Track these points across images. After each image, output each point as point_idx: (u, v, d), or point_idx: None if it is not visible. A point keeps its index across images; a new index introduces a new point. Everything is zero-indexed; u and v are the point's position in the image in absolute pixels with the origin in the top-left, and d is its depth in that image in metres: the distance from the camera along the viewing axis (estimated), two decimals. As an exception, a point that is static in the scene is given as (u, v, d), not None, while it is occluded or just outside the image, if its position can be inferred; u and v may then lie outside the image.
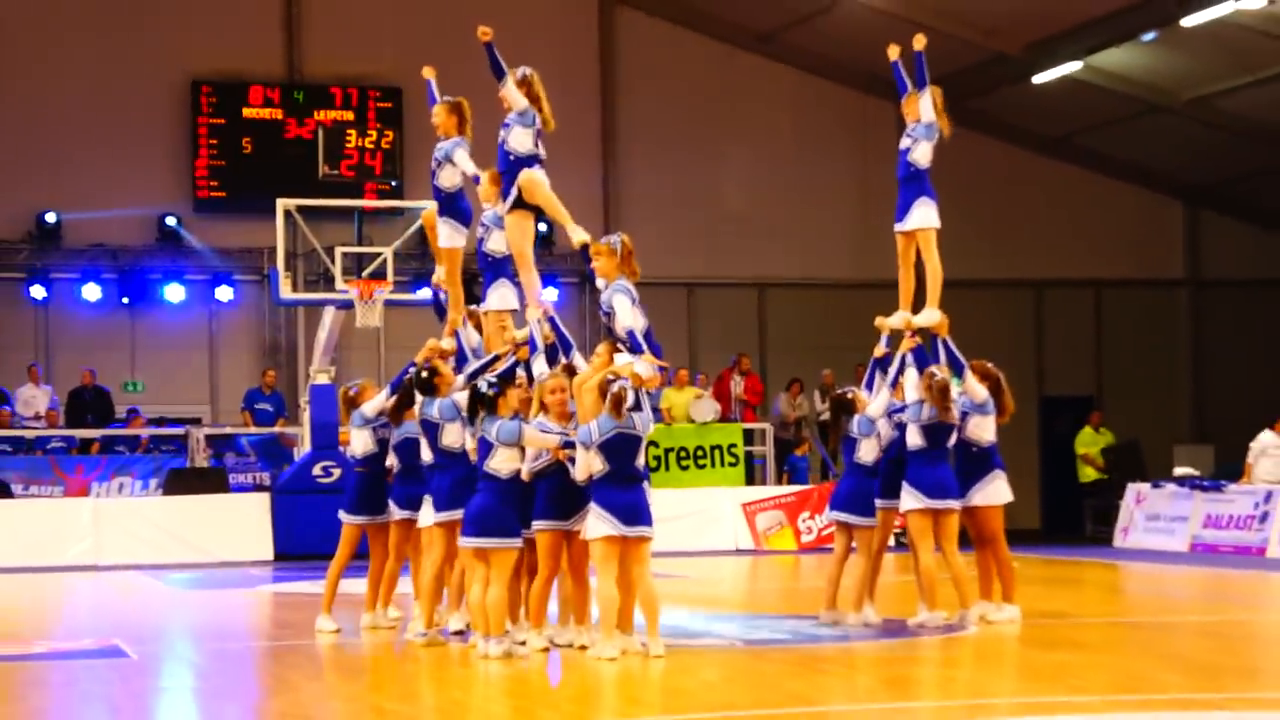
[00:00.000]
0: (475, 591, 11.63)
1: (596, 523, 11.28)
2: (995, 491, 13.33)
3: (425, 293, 24.51)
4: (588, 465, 11.31)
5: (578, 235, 12.42)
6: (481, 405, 11.57)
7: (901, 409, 13.36)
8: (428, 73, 14.36)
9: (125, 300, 28.42)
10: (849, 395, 13.65)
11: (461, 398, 12.11)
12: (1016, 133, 31.63)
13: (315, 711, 10.07)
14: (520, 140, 12.75)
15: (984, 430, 13.31)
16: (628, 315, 11.93)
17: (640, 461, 11.44)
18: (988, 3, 26.53)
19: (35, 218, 28.11)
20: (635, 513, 11.29)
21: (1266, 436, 23.31)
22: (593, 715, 9.52)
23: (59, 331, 28.59)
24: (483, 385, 11.64)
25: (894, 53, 14.01)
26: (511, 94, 12.86)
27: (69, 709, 10.18)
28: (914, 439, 13.09)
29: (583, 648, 11.62)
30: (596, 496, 11.30)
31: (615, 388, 11.27)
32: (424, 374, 12.47)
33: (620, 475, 11.30)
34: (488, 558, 11.47)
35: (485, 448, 11.51)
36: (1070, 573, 19.91)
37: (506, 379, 11.95)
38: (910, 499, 13.04)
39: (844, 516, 13.34)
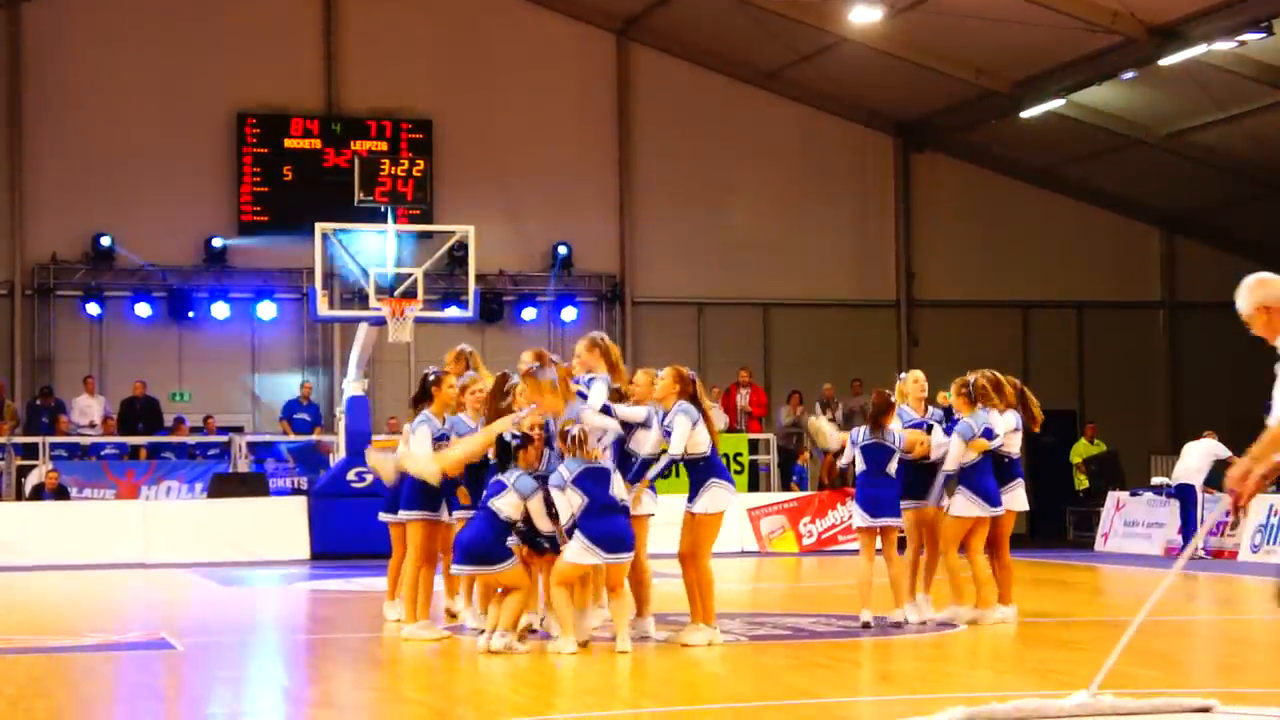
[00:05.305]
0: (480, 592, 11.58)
1: (581, 551, 11.13)
2: (1015, 499, 13.30)
3: (453, 310, 24.65)
4: (568, 505, 11.20)
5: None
6: (506, 454, 11.48)
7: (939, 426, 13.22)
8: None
9: (174, 316, 28.48)
10: (892, 399, 13.12)
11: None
12: (1005, 164, 31.60)
13: (346, 699, 10.04)
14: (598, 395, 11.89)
15: (1014, 444, 13.30)
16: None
17: (616, 492, 11.23)
18: (978, 44, 26.50)
19: (92, 240, 28.17)
20: (618, 541, 11.20)
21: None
22: (606, 706, 9.47)
23: (112, 345, 28.62)
24: (507, 436, 11.56)
25: None
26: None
27: (119, 696, 10.15)
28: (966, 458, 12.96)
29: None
30: (581, 527, 11.14)
31: (575, 430, 11.18)
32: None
33: (599, 506, 11.15)
34: (495, 580, 11.41)
35: (498, 488, 11.35)
36: (1055, 575, 19.84)
37: (529, 438, 11.60)
38: (974, 507, 12.89)
39: (885, 521, 12.96)
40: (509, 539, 11.37)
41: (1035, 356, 32.05)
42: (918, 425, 13.21)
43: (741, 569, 21.78)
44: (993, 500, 12.98)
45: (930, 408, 13.49)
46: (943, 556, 13.15)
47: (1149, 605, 8.49)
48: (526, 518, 11.34)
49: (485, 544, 11.28)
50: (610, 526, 11.19)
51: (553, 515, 11.39)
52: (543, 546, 11.52)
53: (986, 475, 12.97)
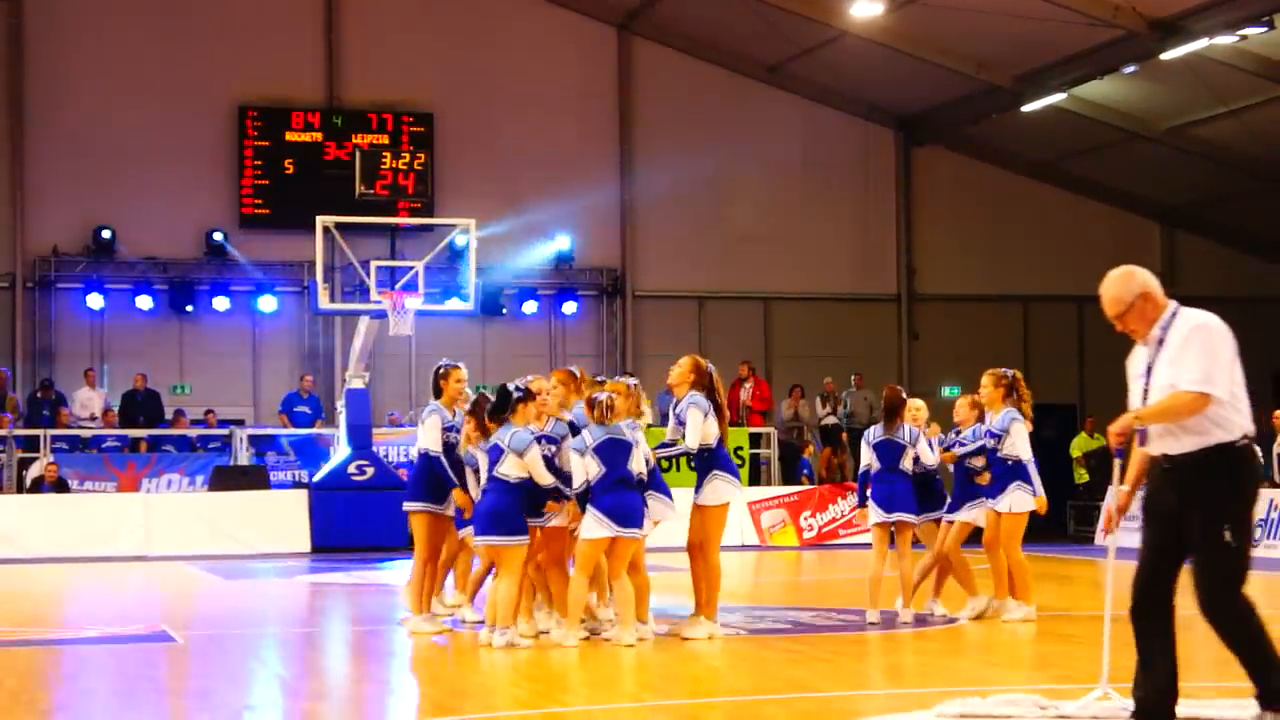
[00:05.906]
0: (490, 586, 11.59)
1: (593, 525, 11.18)
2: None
3: (453, 304, 24.66)
4: (584, 470, 11.24)
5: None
6: (501, 409, 11.39)
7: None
8: None
9: (175, 309, 28.48)
10: (903, 395, 13.15)
11: None
12: (1006, 158, 31.60)
13: (347, 692, 10.04)
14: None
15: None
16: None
17: (634, 466, 11.28)
18: (980, 38, 26.49)
19: (93, 232, 28.16)
20: (628, 514, 11.22)
21: None
22: (607, 699, 9.48)
23: (113, 338, 28.63)
24: (511, 387, 11.54)
25: None
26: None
27: (120, 689, 10.15)
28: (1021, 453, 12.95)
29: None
30: (594, 500, 11.20)
31: (603, 397, 11.26)
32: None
33: (614, 479, 11.20)
34: (499, 554, 11.40)
35: (496, 454, 11.33)
36: (1055, 569, 19.85)
37: (530, 392, 11.67)
38: (1029, 499, 12.88)
39: (899, 517, 12.90)
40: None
41: (1036, 351, 32.07)
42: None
43: (742, 562, 21.79)
44: (1036, 489, 12.97)
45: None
46: (1009, 557, 13.02)
47: (1109, 594, 8.58)
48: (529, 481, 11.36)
49: (502, 515, 11.22)
50: (622, 500, 11.22)
51: (554, 470, 11.43)
52: (551, 496, 11.44)
53: (1027, 468, 13.00)
